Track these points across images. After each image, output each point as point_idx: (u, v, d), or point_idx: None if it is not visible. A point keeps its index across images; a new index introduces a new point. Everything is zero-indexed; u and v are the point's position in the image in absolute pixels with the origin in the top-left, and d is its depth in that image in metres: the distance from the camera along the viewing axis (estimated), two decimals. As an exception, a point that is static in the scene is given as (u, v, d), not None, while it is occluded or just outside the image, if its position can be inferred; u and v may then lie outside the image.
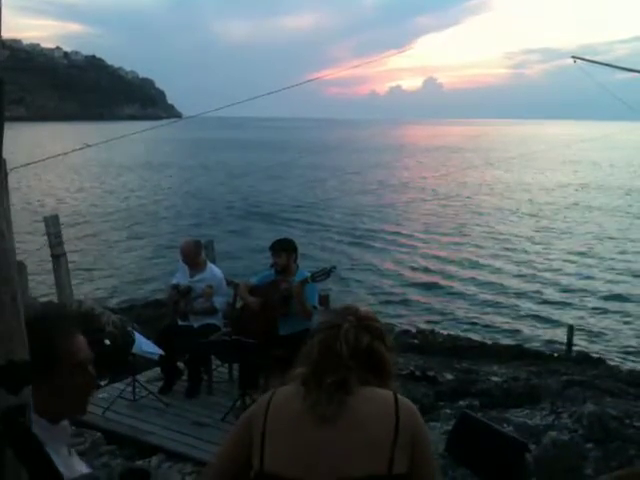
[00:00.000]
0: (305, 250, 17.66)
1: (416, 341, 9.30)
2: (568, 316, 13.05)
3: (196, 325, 5.69)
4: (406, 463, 1.42)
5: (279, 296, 5.22)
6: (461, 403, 5.29)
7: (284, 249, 5.37)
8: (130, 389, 5.34)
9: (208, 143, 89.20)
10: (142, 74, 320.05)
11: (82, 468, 1.45)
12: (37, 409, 1.35)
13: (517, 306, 14.11)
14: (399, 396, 1.50)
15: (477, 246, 20.82)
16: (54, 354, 1.41)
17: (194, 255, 5.77)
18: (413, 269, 17.76)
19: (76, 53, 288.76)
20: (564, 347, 9.50)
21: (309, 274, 5.07)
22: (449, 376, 6.79)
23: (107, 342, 5.77)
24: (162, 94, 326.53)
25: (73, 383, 1.44)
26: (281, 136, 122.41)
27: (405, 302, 14.48)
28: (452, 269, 17.71)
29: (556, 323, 12.63)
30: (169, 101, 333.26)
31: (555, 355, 9.17)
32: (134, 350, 5.15)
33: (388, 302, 14.43)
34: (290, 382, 1.56)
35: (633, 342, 11.67)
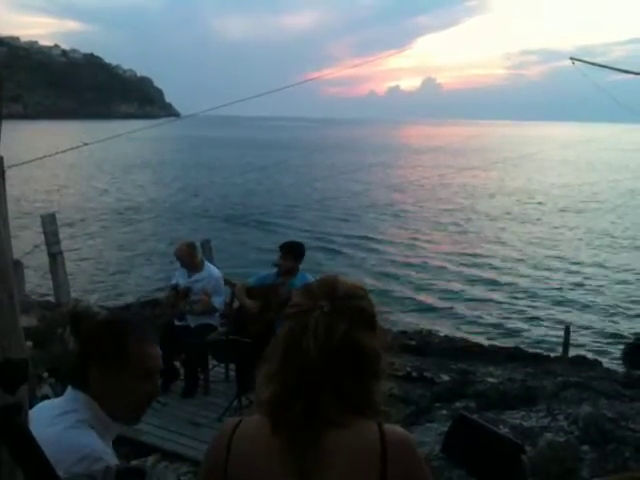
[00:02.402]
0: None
1: (413, 342, 9.28)
2: (565, 317, 13.08)
3: (193, 325, 5.68)
4: None
5: (278, 299, 5.21)
6: (457, 404, 5.28)
7: (294, 253, 5.32)
8: (126, 388, 5.33)
9: (206, 142, 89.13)
10: (140, 72, 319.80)
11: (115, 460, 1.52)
12: (100, 400, 1.48)
13: (514, 307, 14.15)
14: (386, 430, 1.17)
15: (473, 248, 20.85)
16: (125, 354, 1.48)
17: (189, 257, 5.76)
18: (409, 270, 17.77)
19: (74, 51, 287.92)
20: (561, 349, 9.51)
21: (310, 279, 5.01)
22: (446, 377, 6.78)
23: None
24: (160, 92, 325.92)
25: (136, 388, 1.50)
26: (279, 135, 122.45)
27: (402, 303, 14.49)
28: (448, 271, 17.74)
29: (553, 325, 12.67)
30: (167, 99, 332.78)
31: (551, 356, 9.16)
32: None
33: (385, 303, 14.42)
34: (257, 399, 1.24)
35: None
